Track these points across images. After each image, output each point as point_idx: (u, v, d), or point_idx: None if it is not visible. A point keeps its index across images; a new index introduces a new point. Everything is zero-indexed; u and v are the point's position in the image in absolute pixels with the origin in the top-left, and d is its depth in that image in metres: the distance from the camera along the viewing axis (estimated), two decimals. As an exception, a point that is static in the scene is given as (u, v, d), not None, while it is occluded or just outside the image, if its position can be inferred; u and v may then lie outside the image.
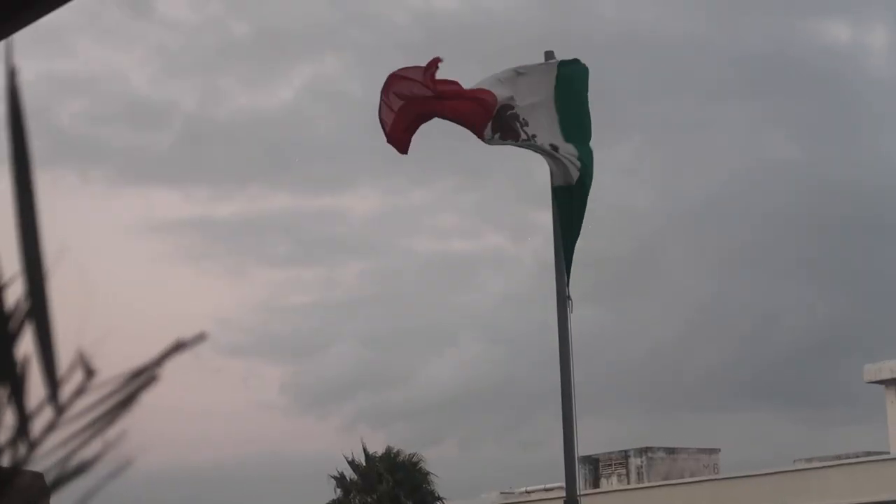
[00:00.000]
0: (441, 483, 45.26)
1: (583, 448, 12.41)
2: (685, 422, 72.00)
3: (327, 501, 44.67)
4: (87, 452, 1.51)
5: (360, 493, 44.05)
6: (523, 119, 13.66)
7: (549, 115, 13.67)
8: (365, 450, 44.67)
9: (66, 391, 1.52)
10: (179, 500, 52.65)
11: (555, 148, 13.55)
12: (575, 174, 13.43)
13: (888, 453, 38.19)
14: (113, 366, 1.53)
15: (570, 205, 13.38)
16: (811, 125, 73.22)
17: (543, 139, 13.60)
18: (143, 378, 1.50)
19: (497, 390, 70.72)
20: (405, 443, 49.81)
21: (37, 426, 1.52)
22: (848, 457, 38.73)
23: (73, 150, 73.02)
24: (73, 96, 77.96)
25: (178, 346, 1.53)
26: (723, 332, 70.74)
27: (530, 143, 13.70)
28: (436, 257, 74.14)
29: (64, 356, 1.53)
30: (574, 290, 12.89)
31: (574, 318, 12.60)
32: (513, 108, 13.63)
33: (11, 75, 1.54)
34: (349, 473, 44.58)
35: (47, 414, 1.52)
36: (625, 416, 69.80)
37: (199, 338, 1.53)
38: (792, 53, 72.72)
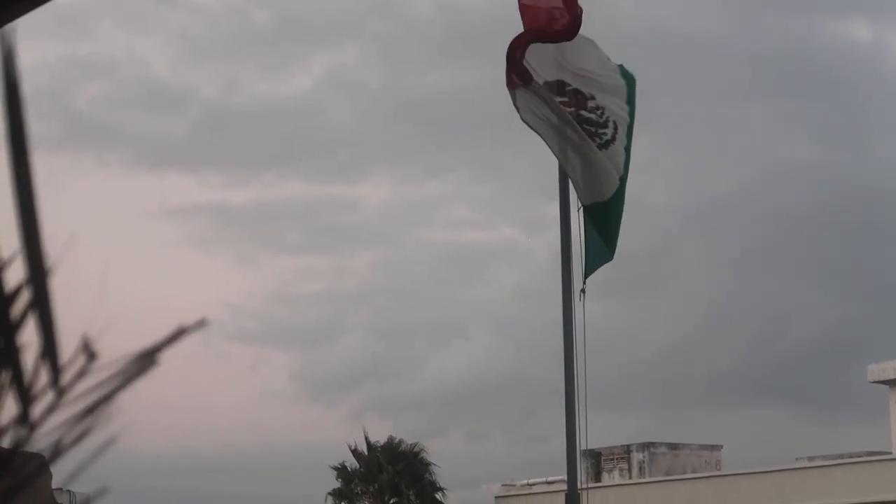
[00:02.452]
0: (445, 474, 45.31)
1: (590, 442, 12.32)
2: (691, 418, 72.04)
3: (329, 490, 44.73)
4: (82, 430, 1.51)
5: (361, 483, 44.08)
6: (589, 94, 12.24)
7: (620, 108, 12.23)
8: (367, 439, 44.70)
9: (67, 374, 1.53)
10: (184, 487, 52.75)
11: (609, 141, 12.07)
12: (612, 187, 11.98)
13: (890, 453, 38.17)
14: (119, 349, 1.54)
15: (605, 222, 12.14)
16: (829, 126, 73.01)
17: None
18: (142, 362, 1.51)
19: (506, 384, 70.64)
20: (412, 434, 49.79)
21: (38, 408, 1.53)
22: (850, 456, 38.71)
23: (90, 133, 73.12)
24: (93, 79, 78.05)
25: (180, 333, 1.53)
26: (732, 331, 70.66)
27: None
28: (448, 249, 74.03)
29: (69, 339, 1.54)
30: (587, 284, 12.66)
31: (585, 312, 12.49)
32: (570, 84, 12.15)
33: (9, 59, 1.54)
34: (352, 462, 44.62)
35: (48, 396, 1.53)
36: (632, 412, 69.76)
37: (200, 324, 1.54)
38: (811, 53, 72.55)
